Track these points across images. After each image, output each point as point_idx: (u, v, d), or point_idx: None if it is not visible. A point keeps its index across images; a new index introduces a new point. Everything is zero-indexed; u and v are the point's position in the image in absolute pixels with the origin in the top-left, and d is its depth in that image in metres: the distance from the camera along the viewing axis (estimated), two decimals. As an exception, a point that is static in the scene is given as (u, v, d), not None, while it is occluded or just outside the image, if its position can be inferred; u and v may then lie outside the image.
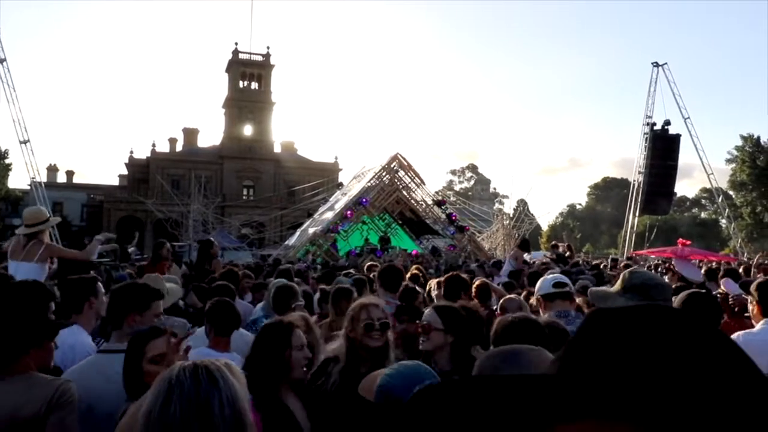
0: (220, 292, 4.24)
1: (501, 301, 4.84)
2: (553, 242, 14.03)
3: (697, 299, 3.28)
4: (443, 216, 27.37)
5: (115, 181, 64.49)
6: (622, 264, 9.01)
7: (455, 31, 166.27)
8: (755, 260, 11.49)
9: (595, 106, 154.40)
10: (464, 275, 5.93)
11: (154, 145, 59.79)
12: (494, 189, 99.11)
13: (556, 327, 2.81)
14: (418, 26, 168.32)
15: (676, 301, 3.34)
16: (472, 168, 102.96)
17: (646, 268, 11.72)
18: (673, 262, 7.17)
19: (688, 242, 9.40)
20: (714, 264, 15.25)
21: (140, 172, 59.40)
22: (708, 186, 45.41)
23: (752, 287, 3.62)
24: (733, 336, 3.35)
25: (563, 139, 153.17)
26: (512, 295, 4.87)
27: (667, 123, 34.67)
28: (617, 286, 3.08)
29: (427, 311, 3.52)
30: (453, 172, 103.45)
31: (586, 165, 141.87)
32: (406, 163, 26.67)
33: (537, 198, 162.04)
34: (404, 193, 26.96)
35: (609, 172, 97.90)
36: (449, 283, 4.92)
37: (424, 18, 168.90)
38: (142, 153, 60.71)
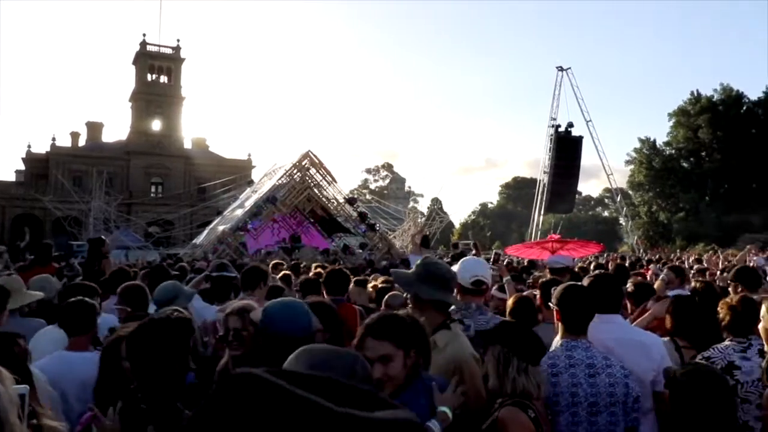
0: (77, 292, 4.01)
1: (386, 297, 4.85)
2: (454, 241, 14.32)
3: (602, 282, 3.36)
4: (354, 214, 27.39)
5: (12, 177, 60.97)
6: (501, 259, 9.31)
7: (373, 31, 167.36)
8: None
9: (511, 108, 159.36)
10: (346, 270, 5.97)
11: (54, 139, 56.86)
12: (409, 188, 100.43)
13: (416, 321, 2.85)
14: (337, 25, 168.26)
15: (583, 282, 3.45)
16: (388, 167, 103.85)
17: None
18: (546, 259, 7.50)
19: (558, 236, 9.79)
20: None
21: (39, 167, 56.39)
22: (613, 187, 47.67)
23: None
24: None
25: (480, 139, 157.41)
26: (395, 292, 4.90)
27: (570, 125, 36.10)
28: (413, 271, 3.32)
29: None
30: (368, 171, 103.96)
31: (501, 165, 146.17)
32: (317, 161, 26.50)
33: (453, 197, 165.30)
34: (315, 191, 26.82)
35: (523, 172, 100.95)
36: (330, 277, 4.89)
37: (342, 17, 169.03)
38: (42, 147, 57.80)
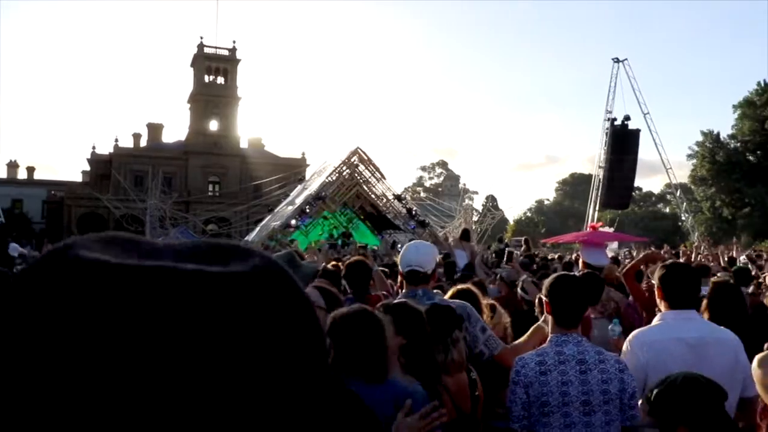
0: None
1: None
2: (499, 236, 14.16)
3: (677, 272, 3.21)
4: (404, 211, 27.35)
5: (78, 177, 63.38)
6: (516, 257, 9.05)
7: (428, 28, 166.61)
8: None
9: (572, 103, 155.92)
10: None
11: (116, 141, 58.82)
12: (464, 185, 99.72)
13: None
14: (391, 23, 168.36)
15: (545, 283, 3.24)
16: (443, 164, 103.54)
17: (556, 257, 11.78)
18: (579, 251, 7.28)
19: (600, 224, 9.63)
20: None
21: (103, 167, 58.28)
22: (672, 182, 46.18)
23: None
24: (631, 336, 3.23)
25: (540, 136, 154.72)
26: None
27: (627, 118, 35.11)
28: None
29: (308, 289, 3.54)
30: (423, 169, 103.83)
31: (562, 161, 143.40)
32: (366, 158, 26.59)
33: (511, 194, 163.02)
34: (364, 187, 26.89)
35: (584, 168, 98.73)
36: (350, 268, 4.89)
37: (395, 16, 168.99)
38: (106, 148, 59.81)
